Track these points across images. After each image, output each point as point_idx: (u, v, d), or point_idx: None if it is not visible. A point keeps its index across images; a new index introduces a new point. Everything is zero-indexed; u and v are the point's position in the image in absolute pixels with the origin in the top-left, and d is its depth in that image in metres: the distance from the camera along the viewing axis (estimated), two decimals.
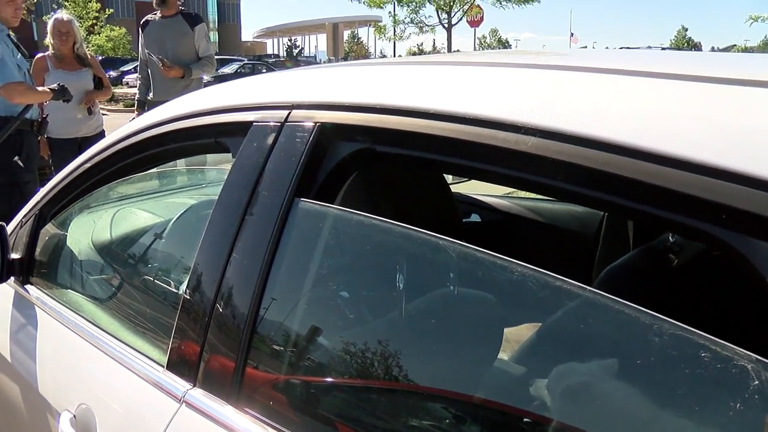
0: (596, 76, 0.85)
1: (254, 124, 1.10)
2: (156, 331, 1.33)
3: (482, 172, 0.83)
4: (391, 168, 1.24)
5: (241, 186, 1.05)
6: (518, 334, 1.07)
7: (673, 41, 77.57)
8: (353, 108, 0.97)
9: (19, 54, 3.96)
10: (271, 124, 1.07)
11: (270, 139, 1.04)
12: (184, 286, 1.27)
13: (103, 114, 5.17)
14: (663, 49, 25.97)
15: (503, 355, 1.09)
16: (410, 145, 0.89)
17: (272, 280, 0.97)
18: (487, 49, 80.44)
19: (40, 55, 4.69)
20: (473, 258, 0.85)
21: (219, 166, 2.32)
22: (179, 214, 1.79)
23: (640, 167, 0.65)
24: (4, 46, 3.78)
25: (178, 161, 2.24)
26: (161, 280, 1.51)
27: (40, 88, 4.10)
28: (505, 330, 1.09)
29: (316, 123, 0.99)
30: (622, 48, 25.03)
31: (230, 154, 1.18)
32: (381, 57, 66.27)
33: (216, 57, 5.37)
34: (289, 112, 1.05)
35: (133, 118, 4.93)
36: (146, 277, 1.57)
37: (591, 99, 0.79)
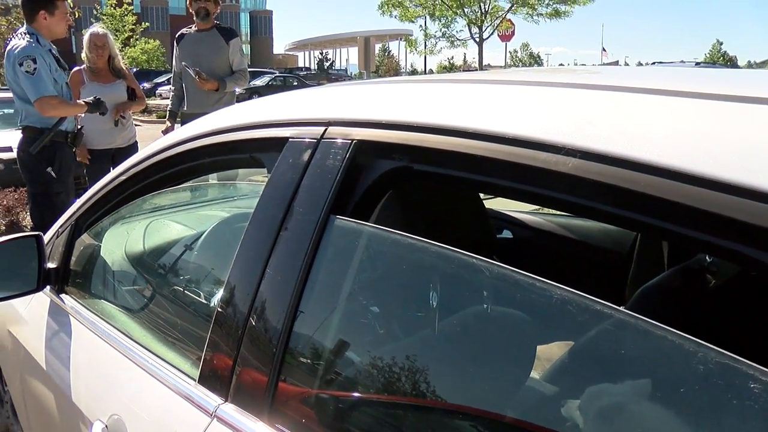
0: (636, 96, 0.84)
1: (290, 140, 1.10)
2: (188, 343, 1.33)
3: (521, 193, 0.82)
4: (427, 186, 1.23)
5: (277, 202, 1.05)
6: (549, 352, 1.06)
7: (708, 55, 76.68)
8: (390, 126, 0.96)
9: (59, 68, 4.05)
10: (307, 140, 1.07)
11: (306, 156, 1.04)
12: (216, 300, 1.27)
13: (136, 125, 5.25)
14: (697, 63, 25.65)
15: (534, 374, 1.08)
16: (448, 164, 0.88)
17: (307, 296, 0.97)
18: (519, 63, 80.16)
19: (76, 68, 4.78)
20: (506, 277, 0.84)
21: (250, 179, 2.34)
22: (211, 226, 1.80)
23: (683, 190, 0.64)
24: (42, 60, 3.87)
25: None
26: (193, 293, 1.51)
27: (74, 102, 4.18)
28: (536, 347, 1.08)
29: (352, 140, 0.99)
30: (654, 63, 24.76)
31: (261, 168, 1.19)
32: (411, 70, 66.44)
33: (248, 70, 5.42)
34: (326, 129, 1.05)
35: (164, 129, 5.01)
36: (178, 289, 1.58)
37: (632, 120, 0.78)
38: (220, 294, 1.15)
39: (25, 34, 3.94)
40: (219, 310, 1.11)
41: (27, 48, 3.84)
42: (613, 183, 0.69)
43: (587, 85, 0.93)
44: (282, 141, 1.11)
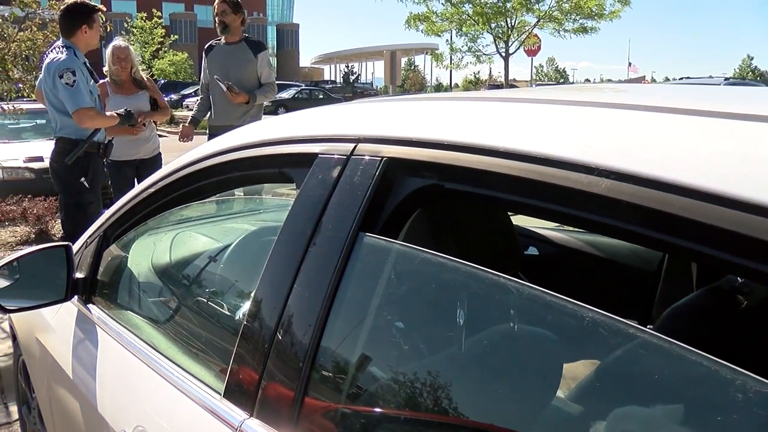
0: (670, 117, 0.83)
1: (319, 156, 1.10)
2: (213, 356, 1.34)
3: (553, 213, 0.82)
4: (456, 203, 1.23)
5: (306, 217, 1.05)
6: (574, 371, 1.05)
7: (738, 71, 75.84)
8: (421, 143, 0.96)
9: (92, 80, 4.13)
10: (337, 156, 1.07)
11: (335, 172, 1.04)
12: (243, 313, 1.28)
13: (162, 136, 5.32)
14: (726, 79, 25.33)
15: (560, 393, 1.07)
16: (479, 183, 0.88)
17: (335, 311, 0.97)
18: (545, 78, 79.81)
19: (100, 81, 4.86)
20: (532, 296, 0.83)
21: (275, 192, 2.35)
22: (238, 239, 1.81)
23: (719, 213, 0.63)
24: (80, 73, 3.95)
25: None
26: (219, 306, 1.52)
27: (108, 113, 4.25)
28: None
29: (382, 157, 0.99)
30: (682, 78, 24.51)
31: (290, 183, 1.20)
32: (437, 84, 66.50)
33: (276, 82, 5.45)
34: (355, 146, 1.05)
35: (180, 131, 5.03)
36: (204, 301, 1.59)
37: (666, 141, 0.77)
38: (246, 308, 1.15)
39: (62, 47, 4.03)
40: (246, 324, 1.11)
41: (67, 61, 3.93)
42: (648, 205, 0.68)
43: (620, 104, 0.92)
44: (311, 157, 1.12)
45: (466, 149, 0.89)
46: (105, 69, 4.93)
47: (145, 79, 4.99)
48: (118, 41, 4.95)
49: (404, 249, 0.96)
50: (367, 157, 1.02)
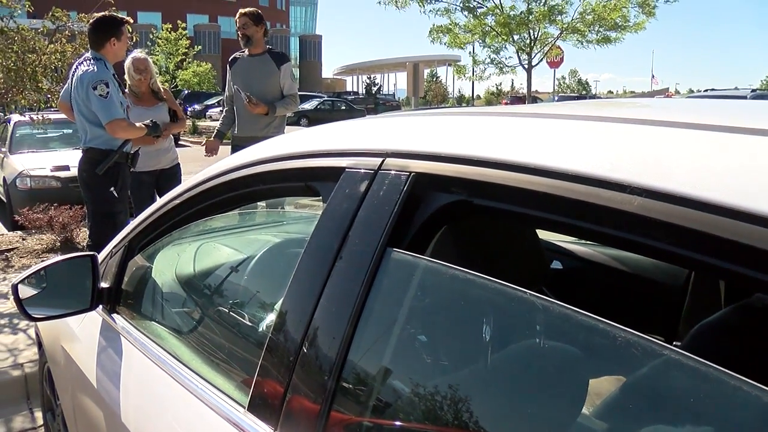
0: (703, 134, 0.82)
1: (346, 170, 1.10)
2: (237, 369, 1.33)
3: (583, 231, 0.81)
4: (483, 219, 1.22)
5: (332, 231, 1.05)
6: (599, 387, 1.04)
7: (765, 82, 74.98)
8: (450, 159, 0.95)
9: (122, 92, 4.20)
10: (364, 171, 1.06)
11: (363, 187, 1.04)
12: (266, 326, 1.27)
13: (186, 146, 5.38)
14: (753, 90, 25.01)
15: (585, 410, 1.05)
16: (509, 200, 0.87)
17: (362, 326, 0.96)
18: (567, 89, 79.38)
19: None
20: (559, 313, 0.82)
21: (297, 203, 2.35)
22: (262, 251, 1.81)
23: (755, 233, 0.62)
24: (112, 85, 4.01)
25: None
26: (243, 318, 1.52)
27: (137, 124, 4.31)
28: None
29: (410, 173, 0.98)
30: (707, 90, 24.26)
31: (316, 197, 1.20)
32: (459, 96, 66.41)
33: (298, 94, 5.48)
34: (383, 160, 1.04)
35: (205, 143, 5.08)
36: (229, 313, 1.59)
37: (700, 158, 0.76)
38: (271, 320, 1.15)
39: (93, 60, 4.09)
40: (271, 336, 1.11)
41: (100, 73, 4.00)
42: (682, 224, 0.67)
43: (651, 120, 0.91)
44: (338, 171, 1.12)
45: (495, 165, 0.88)
46: (125, 79, 4.99)
47: (162, 90, 5.05)
48: (137, 53, 5.01)
49: (432, 265, 0.95)
50: (395, 172, 1.01)
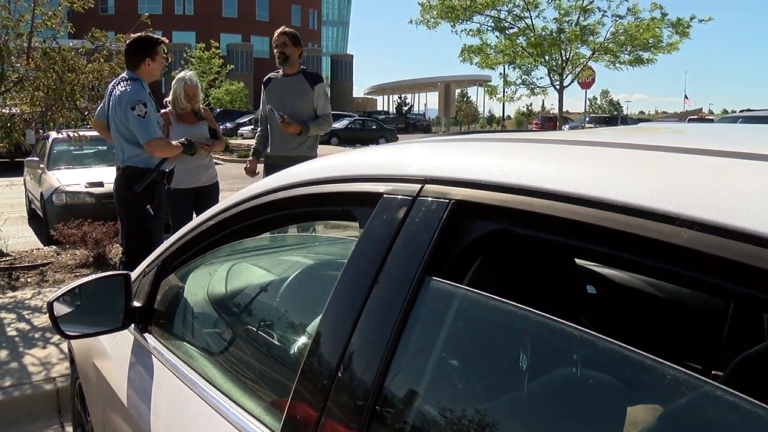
0: (753, 164, 0.79)
1: (384, 195, 1.09)
2: (269, 393, 1.32)
3: (628, 263, 0.79)
4: (522, 248, 1.21)
5: (370, 258, 1.04)
6: (634, 415, 1.01)
7: None
8: (492, 187, 0.94)
9: (158, 111, 4.28)
10: (402, 197, 1.05)
11: (401, 213, 1.03)
12: (300, 350, 1.26)
13: (217, 164, 5.43)
14: None
15: None
16: (551, 230, 0.85)
17: (399, 354, 0.95)
18: (598, 110, 78.80)
19: (164, 110, 5.00)
20: (597, 344, 0.80)
21: (328, 224, 2.35)
22: (295, 273, 1.81)
23: None
24: (150, 105, 4.08)
25: None
26: (276, 341, 1.51)
27: (173, 142, 4.37)
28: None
29: (450, 200, 0.97)
30: (743, 111, 23.91)
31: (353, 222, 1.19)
32: (489, 116, 66.24)
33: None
34: (422, 187, 1.03)
35: (246, 166, 5.16)
36: (260, 335, 1.58)
37: (752, 190, 0.73)
38: (305, 345, 1.14)
39: (128, 80, 4.17)
40: (306, 361, 1.10)
41: (138, 93, 4.08)
42: (738, 260, 0.65)
43: (698, 149, 0.89)
44: (376, 196, 1.10)
45: (539, 194, 0.87)
46: (167, 99, 5.07)
47: (202, 109, 5.13)
48: (189, 76, 5.10)
49: (471, 294, 0.93)
50: (434, 199, 1.00)
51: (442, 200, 0.98)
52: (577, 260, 2.11)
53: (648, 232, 0.72)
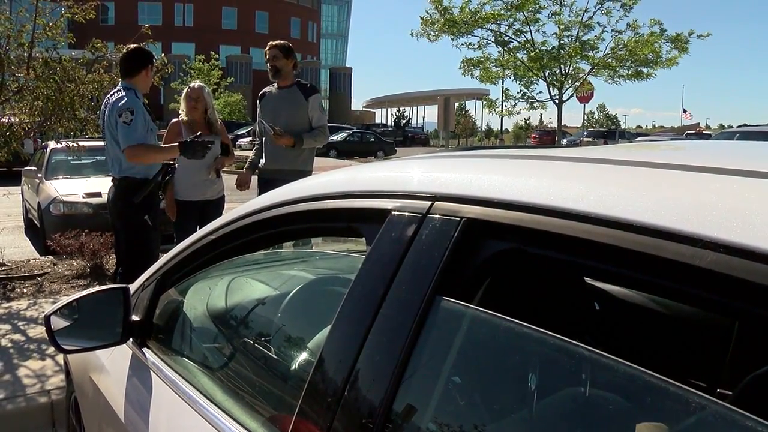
0: None
1: (392, 212, 1.06)
2: (271, 410, 1.30)
3: (646, 284, 0.77)
4: (537, 269, 1.19)
5: (378, 276, 1.01)
6: None
7: None
8: (505, 205, 0.91)
9: (151, 119, 4.26)
10: (411, 214, 1.03)
11: (410, 231, 1.00)
12: (301, 366, 1.23)
13: None
14: None
15: None
16: (566, 250, 0.83)
17: (408, 374, 0.92)
18: (596, 124, 79.05)
19: (175, 120, 4.99)
20: (607, 365, 0.79)
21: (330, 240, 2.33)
22: (296, 289, 1.78)
23: None
24: (140, 112, 4.07)
25: None
26: (278, 358, 1.48)
27: (165, 146, 4.35)
28: None
29: (461, 218, 0.95)
30: (740, 126, 23.98)
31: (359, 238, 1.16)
32: (487, 129, 66.36)
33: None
34: (432, 204, 1.01)
35: (237, 179, 5.12)
36: (262, 352, 1.55)
37: None
38: (309, 363, 1.12)
39: (122, 89, 4.17)
40: (311, 380, 1.07)
41: (129, 101, 4.06)
42: (762, 282, 0.63)
43: (720, 169, 0.86)
44: (383, 213, 1.08)
45: (552, 213, 0.84)
46: (178, 106, 5.11)
47: (219, 123, 5.10)
48: (194, 83, 5.14)
49: (482, 314, 0.91)
50: (445, 217, 0.97)
51: (453, 218, 0.96)
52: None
53: (669, 254, 0.70)
